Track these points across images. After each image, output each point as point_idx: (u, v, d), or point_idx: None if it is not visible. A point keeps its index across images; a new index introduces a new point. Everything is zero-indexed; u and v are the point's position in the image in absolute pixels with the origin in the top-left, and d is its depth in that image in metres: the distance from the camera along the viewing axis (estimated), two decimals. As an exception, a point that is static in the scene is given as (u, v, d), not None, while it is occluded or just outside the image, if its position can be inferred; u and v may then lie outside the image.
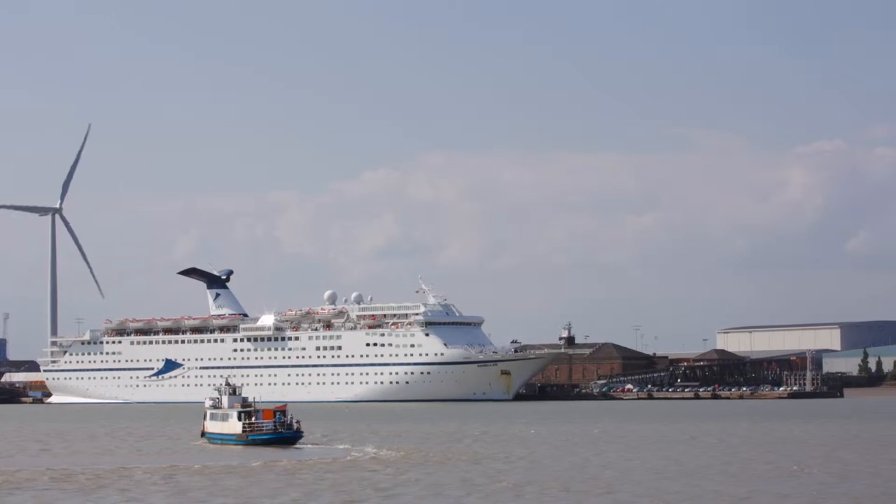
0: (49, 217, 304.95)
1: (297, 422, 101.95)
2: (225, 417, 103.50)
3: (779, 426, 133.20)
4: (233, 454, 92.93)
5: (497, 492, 65.78)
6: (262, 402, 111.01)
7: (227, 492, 66.88)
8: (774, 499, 62.60)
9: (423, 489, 66.90)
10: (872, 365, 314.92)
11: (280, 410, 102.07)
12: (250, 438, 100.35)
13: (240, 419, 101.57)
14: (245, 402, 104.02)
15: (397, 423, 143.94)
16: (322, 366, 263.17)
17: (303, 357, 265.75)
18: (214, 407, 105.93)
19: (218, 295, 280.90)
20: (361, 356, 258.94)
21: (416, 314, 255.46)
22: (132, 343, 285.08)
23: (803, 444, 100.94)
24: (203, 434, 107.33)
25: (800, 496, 63.51)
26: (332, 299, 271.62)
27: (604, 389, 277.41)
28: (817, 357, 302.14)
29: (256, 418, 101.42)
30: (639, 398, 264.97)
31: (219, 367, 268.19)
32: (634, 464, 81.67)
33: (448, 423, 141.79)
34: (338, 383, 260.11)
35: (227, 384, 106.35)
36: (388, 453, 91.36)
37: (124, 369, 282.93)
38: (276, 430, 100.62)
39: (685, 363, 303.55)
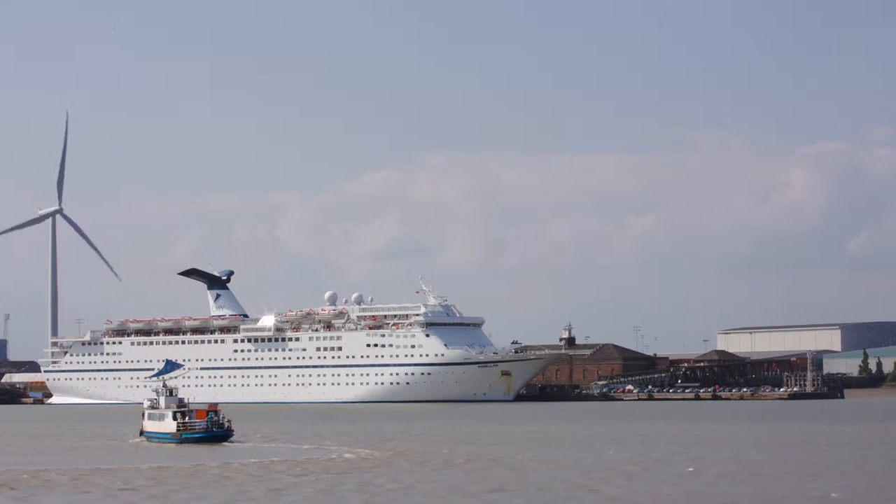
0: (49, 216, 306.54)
1: (229, 421, 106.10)
2: (161, 417, 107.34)
3: (740, 427, 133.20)
4: (158, 454, 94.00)
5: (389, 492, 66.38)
6: (196, 402, 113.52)
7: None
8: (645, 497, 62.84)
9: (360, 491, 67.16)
10: (873, 366, 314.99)
11: (212, 410, 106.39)
12: (184, 437, 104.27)
13: (174, 419, 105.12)
14: (181, 403, 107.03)
15: (375, 424, 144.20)
16: (322, 366, 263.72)
17: (303, 358, 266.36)
18: (152, 407, 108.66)
19: (218, 296, 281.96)
20: (362, 357, 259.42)
21: (417, 315, 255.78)
22: (132, 344, 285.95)
23: (727, 445, 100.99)
24: (142, 433, 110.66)
25: (675, 497, 63.83)
26: (333, 300, 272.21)
27: (604, 390, 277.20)
28: (818, 358, 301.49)
29: (190, 418, 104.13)
30: (639, 399, 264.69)
31: (219, 368, 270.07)
32: (567, 464, 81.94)
33: (428, 424, 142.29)
34: (338, 384, 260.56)
35: (165, 386, 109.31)
36: (336, 455, 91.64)
37: (125, 370, 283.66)
38: (208, 428, 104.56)
39: (686, 364, 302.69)
